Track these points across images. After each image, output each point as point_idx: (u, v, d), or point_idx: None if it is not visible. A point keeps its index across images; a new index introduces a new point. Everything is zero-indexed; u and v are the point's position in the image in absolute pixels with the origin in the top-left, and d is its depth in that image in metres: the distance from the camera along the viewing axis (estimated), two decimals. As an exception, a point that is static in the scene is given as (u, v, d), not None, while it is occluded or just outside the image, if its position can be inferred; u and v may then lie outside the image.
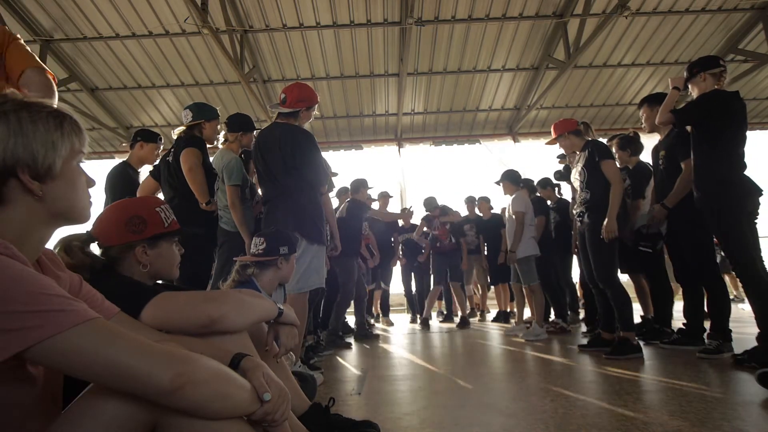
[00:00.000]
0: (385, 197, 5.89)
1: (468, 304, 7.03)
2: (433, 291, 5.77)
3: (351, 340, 4.45)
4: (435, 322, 6.29)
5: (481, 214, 6.04)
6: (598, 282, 3.12)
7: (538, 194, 4.85)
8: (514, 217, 4.20)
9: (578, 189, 3.26)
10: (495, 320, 6.07)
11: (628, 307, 3.00)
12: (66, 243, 1.09)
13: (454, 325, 5.52)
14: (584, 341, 3.54)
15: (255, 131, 3.29)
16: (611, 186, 3.00)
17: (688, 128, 2.78)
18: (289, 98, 2.57)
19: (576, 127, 3.32)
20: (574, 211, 3.34)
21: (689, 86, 2.80)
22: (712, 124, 2.59)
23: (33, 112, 0.75)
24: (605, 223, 2.95)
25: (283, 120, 2.59)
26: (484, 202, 5.97)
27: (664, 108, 2.79)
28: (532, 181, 4.93)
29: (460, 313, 5.64)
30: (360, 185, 4.71)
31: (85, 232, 1.15)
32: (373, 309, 6.80)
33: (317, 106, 2.68)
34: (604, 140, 3.78)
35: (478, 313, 6.81)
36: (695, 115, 2.67)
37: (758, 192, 2.56)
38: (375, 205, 5.94)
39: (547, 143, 3.56)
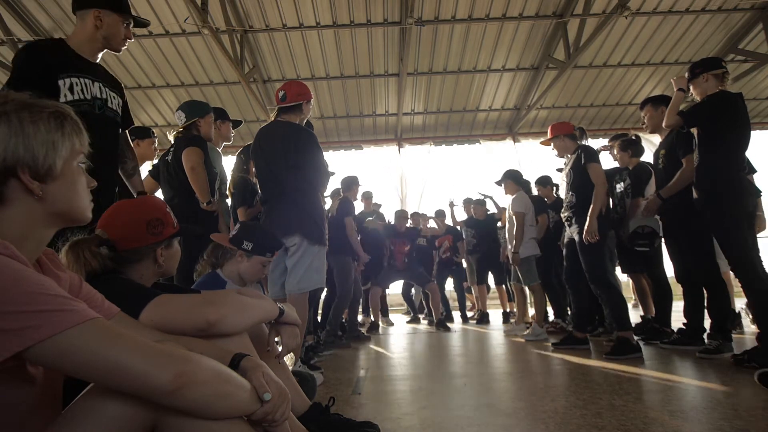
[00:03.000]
0: (368, 198, 5.91)
1: (469, 303, 7.05)
2: (374, 292, 5.63)
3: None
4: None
5: (474, 215, 6.09)
6: (590, 284, 3.14)
7: (535, 193, 4.84)
8: (514, 218, 4.20)
9: (565, 191, 3.34)
10: (479, 322, 6.00)
11: (623, 306, 3.01)
12: (74, 246, 1.08)
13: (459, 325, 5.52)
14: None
15: (231, 122, 3.34)
16: (594, 188, 3.06)
17: (693, 129, 2.78)
18: (290, 94, 2.59)
19: (572, 131, 3.39)
20: (562, 215, 3.38)
21: (690, 87, 2.80)
22: (718, 125, 2.59)
23: (34, 112, 0.75)
24: (586, 224, 3.01)
25: (285, 117, 2.60)
26: (480, 205, 5.99)
27: (671, 110, 2.77)
28: (528, 183, 4.91)
29: (434, 315, 5.59)
30: (352, 183, 4.62)
31: (94, 235, 1.15)
32: (371, 309, 6.79)
33: (316, 106, 2.71)
34: (605, 140, 3.81)
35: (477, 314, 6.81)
36: (703, 116, 2.66)
37: (757, 193, 2.58)
38: (431, 223, 6.25)
39: (541, 143, 3.61)
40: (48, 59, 1.72)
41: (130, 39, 1.95)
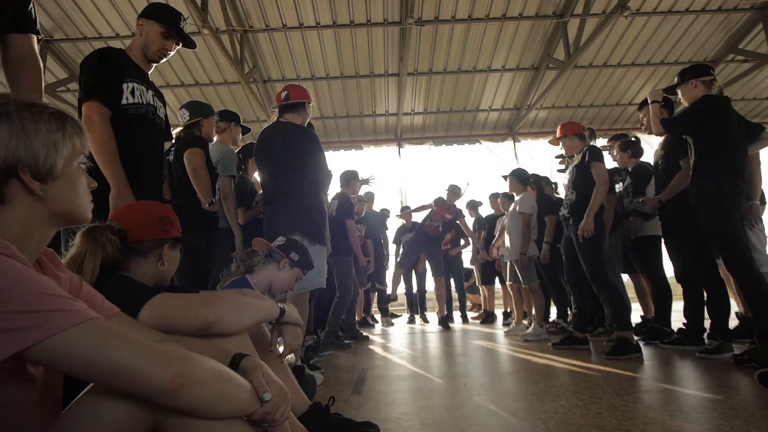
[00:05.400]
0: (370, 200, 5.91)
1: (469, 303, 7.05)
2: (398, 272, 5.69)
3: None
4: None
5: (502, 210, 5.91)
6: (591, 283, 3.14)
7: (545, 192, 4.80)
8: (520, 217, 4.20)
9: (566, 189, 3.35)
10: (483, 322, 6.03)
11: (625, 306, 3.01)
12: (90, 228, 1.11)
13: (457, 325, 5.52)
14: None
15: (241, 127, 3.37)
16: (596, 186, 3.07)
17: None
18: (293, 93, 2.64)
19: (581, 131, 3.39)
20: (560, 214, 3.39)
21: (678, 92, 2.87)
22: (705, 130, 2.61)
23: (35, 112, 0.75)
24: (582, 222, 3.02)
25: (288, 117, 2.61)
26: (507, 199, 5.84)
27: (653, 121, 2.88)
28: (541, 179, 4.82)
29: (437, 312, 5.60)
30: (351, 177, 4.50)
31: (108, 224, 1.17)
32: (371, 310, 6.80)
33: (316, 106, 2.75)
34: (605, 140, 3.82)
35: (479, 312, 6.82)
36: (688, 125, 2.71)
37: (749, 195, 2.62)
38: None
39: (550, 141, 3.61)
40: (117, 64, 1.86)
41: (168, 50, 2.03)
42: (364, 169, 4.83)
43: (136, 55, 1.98)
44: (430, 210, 5.73)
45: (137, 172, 1.81)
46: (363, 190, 5.39)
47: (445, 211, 5.53)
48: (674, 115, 2.88)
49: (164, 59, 2.05)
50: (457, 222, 5.85)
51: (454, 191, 5.79)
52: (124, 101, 1.83)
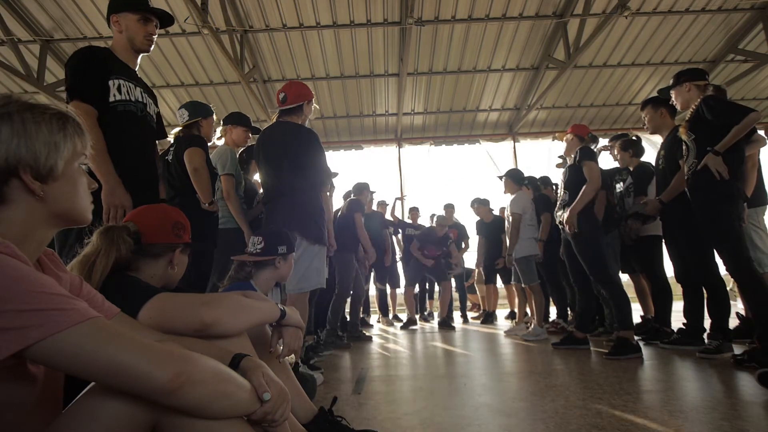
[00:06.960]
0: (383, 205, 5.99)
1: (469, 303, 7.05)
2: (408, 291, 5.79)
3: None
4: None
5: (479, 217, 6.00)
6: (594, 282, 3.15)
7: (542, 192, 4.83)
8: (511, 218, 4.22)
9: (560, 190, 3.40)
10: (483, 321, 6.07)
11: (626, 306, 3.02)
12: (108, 228, 1.13)
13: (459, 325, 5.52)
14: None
15: (245, 127, 3.30)
16: (586, 184, 3.10)
17: (684, 135, 2.78)
18: (290, 95, 2.58)
19: (584, 134, 3.43)
20: (556, 215, 3.40)
21: (672, 93, 2.91)
22: (719, 129, 2.60)
23: (36, 113, 0.76)
24: (566, 215, 3.07)
25: (287, 118, 2.59)
26: (482, 205, 5.95)
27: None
28: (536, 180, 4.90)
29: (438, 313, 5.66)
30: (363, 188, 4.83)
31: (124, 225, 1.20)
32: (407, 305, 6.79)
33: (317, 105, 2.71)
34: (605, 141, 3.85)
35: (479, 312, 6.82)
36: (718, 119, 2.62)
37: (746, 197, 2.63)
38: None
39: (555, 135, 3.67)
40: (100, 62, 1.83)
41: (152, 34, 1.97)
42: (364, 170, 4.94)
43: (120, 51, 1.93)
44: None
45: (129, 170, 1.79)
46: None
47: (433, 249, 5.62)
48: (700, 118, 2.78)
49: (152, 45, 2.00)
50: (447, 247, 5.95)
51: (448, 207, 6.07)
52: (111, 98, 1.80)
